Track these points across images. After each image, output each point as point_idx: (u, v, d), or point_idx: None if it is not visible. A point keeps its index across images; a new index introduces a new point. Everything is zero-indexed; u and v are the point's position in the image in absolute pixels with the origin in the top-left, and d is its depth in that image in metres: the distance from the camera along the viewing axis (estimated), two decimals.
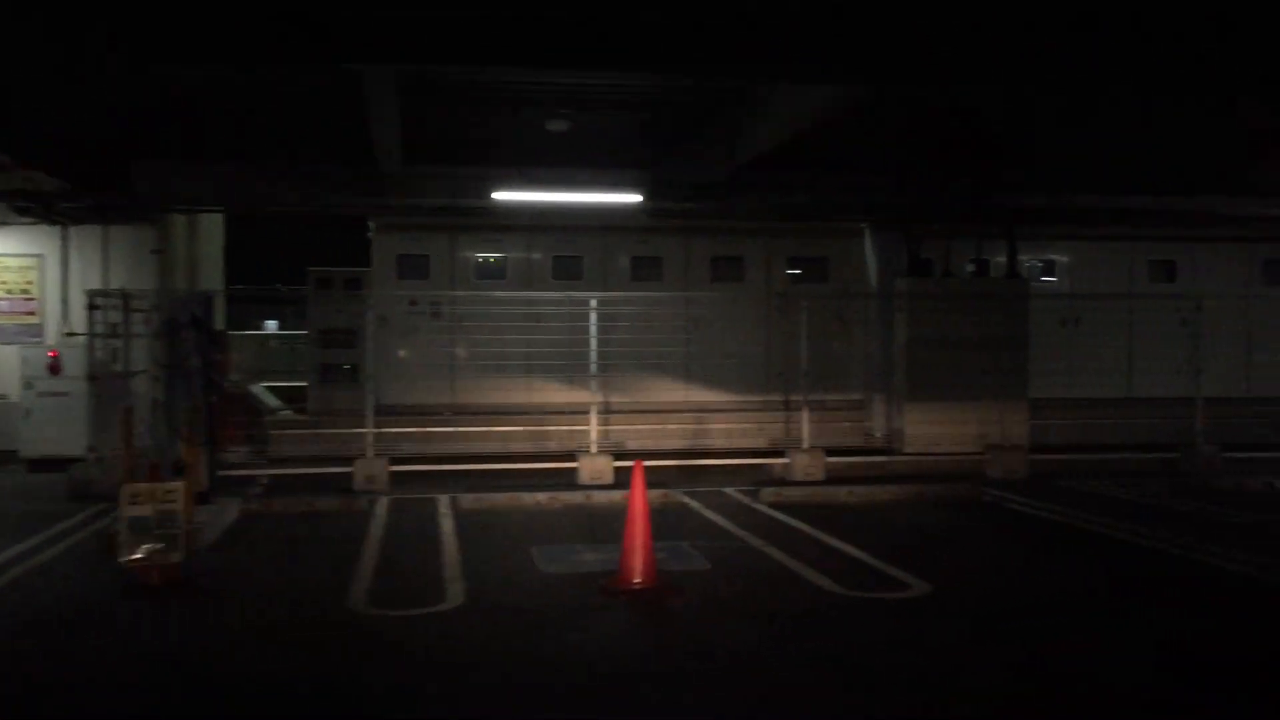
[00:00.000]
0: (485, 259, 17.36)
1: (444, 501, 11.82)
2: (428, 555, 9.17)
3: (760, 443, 15.01)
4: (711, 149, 13.28)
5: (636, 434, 15.41)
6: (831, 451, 14.19)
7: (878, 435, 16.37)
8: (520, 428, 15.80)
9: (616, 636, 6.91)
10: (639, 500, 7.87)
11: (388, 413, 16.09)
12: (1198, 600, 7.80)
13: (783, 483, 13.12)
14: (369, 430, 12.99)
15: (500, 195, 13.33)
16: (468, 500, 11.85)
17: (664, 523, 10.83)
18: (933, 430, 14.78)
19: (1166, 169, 15.40)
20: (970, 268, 17.02)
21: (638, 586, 7.75)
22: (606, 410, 14.52)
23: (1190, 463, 13.91)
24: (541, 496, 12.02)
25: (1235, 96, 8.98)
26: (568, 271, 17.34)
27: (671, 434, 15.75)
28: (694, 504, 11.82)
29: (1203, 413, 14.17)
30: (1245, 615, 7.43)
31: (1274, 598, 7.93)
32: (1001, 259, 16.32)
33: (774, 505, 11.84)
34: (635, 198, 13.54)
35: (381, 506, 11.59)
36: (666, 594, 7.76)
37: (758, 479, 13.22)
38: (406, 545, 9.70)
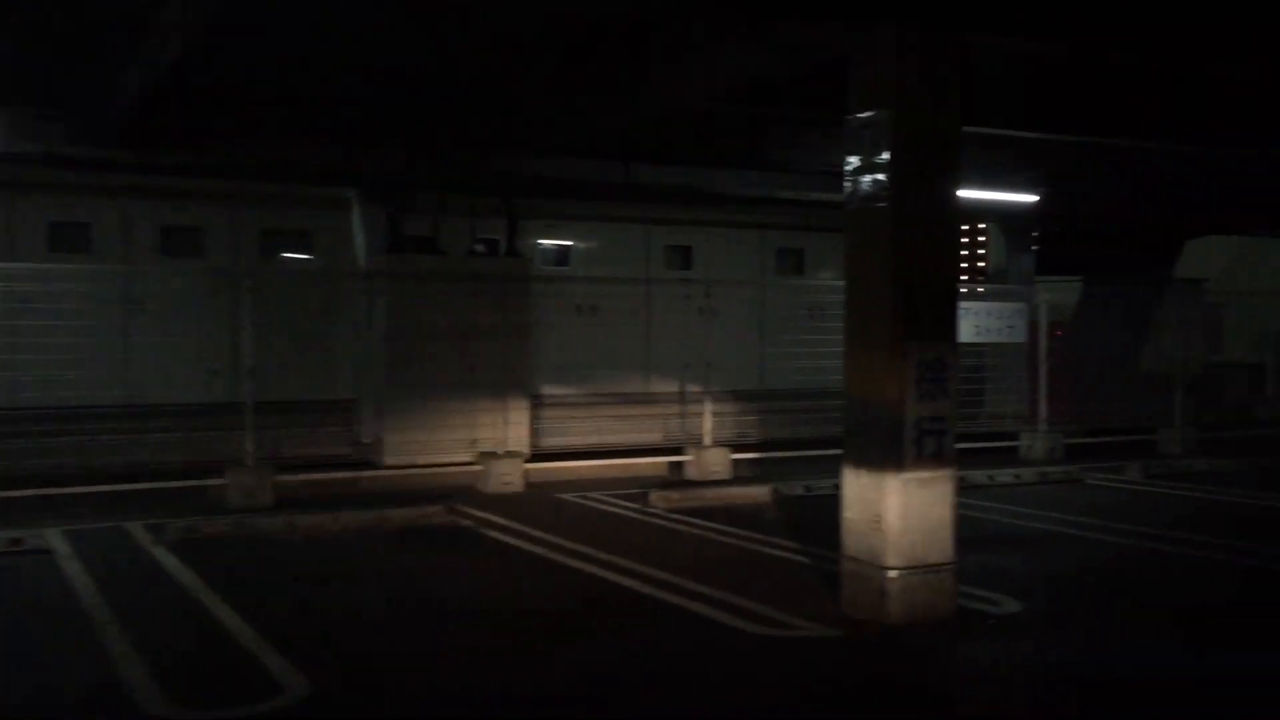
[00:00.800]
0: None
1: None
2: None
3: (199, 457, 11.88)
4: (112, 77, 10.00)
5: (33, 449, 11.74)
6: (304, 465, 11.52)
7: (368, 443, 13.78)
8: None
9: None
10: None
11: None
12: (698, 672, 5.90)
13: (213, 510, 10.18)
14: None
15: None
16: None
17: None
18: (419, 438, 12.38)
19: (680, 142, 14.07)
20: (479, 247, 14.94)
21: None
22: None
23: (698, 467, 12.56)
24: None
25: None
26: None
27: (91, 448, 12.21)
28: (64, 551, 8.57)
29: (711, 411, 12.87)
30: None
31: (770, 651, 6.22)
32: (526, 240, 14.34)
33: (178, 545, 8.87)
34: None
35: None
36: None
37: (192, 506, 10.19)
38: None
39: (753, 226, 17.33)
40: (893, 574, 6.53)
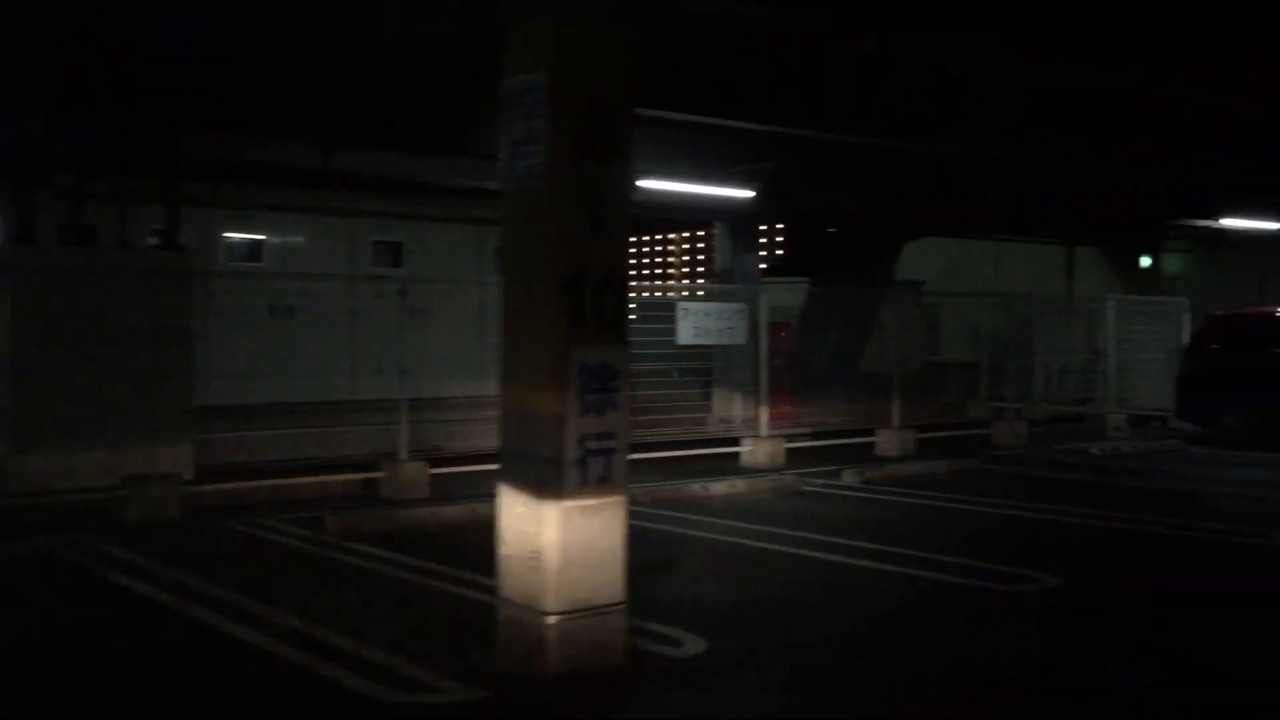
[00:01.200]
0: None
1: None
2: None
3: None
4: None
5: None
6: None
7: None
8: None
9: None
10: None
11: None
12: None
13: None
14: None
15: None
16: None
17: None
18: (52, 459, 10.56)
19: (381, 125, 12.76)
20: (153, 239, 13.18)
21: None
22: None
23: (394, 484, 11.29)
24: None
25: None
26: None
27: None
28: None
29: (409, 420, 11.63)
30: None
31: None
32: (213, 232, 12.62)
33: None
34: None
35: None
36: None
37: None
38: None
39: (470, 221, 16.20)
40: (552, 620, 5.53)
